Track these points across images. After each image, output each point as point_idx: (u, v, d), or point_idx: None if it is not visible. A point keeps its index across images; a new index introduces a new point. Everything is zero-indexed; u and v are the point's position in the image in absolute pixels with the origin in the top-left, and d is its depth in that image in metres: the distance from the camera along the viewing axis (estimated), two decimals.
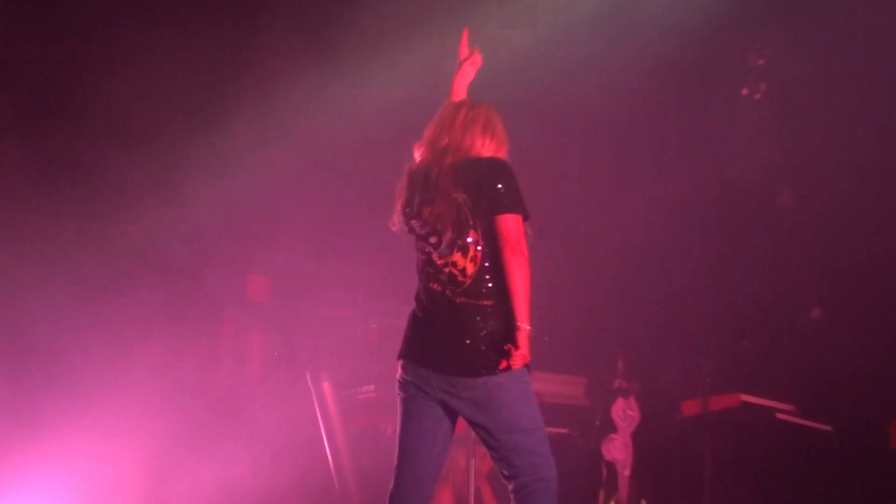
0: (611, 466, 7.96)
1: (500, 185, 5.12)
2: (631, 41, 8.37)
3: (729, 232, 8.47)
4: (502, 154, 5.33)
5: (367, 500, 7.99)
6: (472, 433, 5.37)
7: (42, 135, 8.46)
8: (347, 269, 8.64)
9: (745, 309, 8.41)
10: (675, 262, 8.55)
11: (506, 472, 5.18)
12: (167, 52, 8.49)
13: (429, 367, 5.14)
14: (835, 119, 8.05)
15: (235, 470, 8.26)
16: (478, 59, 5.63)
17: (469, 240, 5.15)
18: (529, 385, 5.18)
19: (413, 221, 5.27)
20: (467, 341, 5.08)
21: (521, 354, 5.05)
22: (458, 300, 5.13)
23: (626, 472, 7.92)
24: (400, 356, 5.25)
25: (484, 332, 5.09)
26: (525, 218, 5.15)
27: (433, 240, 5.20)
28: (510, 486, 5.17)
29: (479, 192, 5.13)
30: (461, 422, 5.29)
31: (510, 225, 5.09)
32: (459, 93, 5.61)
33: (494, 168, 5.20)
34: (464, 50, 5.64)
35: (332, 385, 8.33)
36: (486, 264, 5.14)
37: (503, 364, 5.06)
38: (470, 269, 5.15)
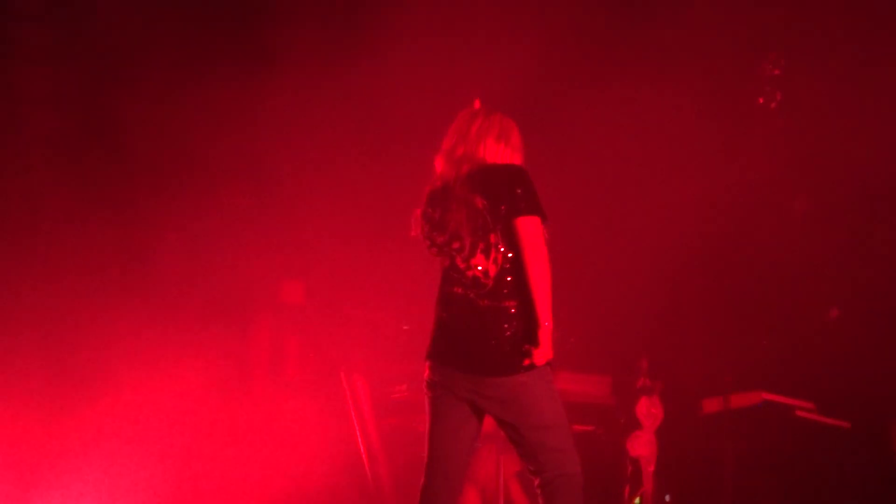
0: (635, 462, 7.97)
1: (517, 190, 5.26)
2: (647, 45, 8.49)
3: (748, 234, 8.50)
4: (518, 161, 5.47)
5: (400, 495, 8.11)
6: (501, 431, 5.48)
7: (81, 147, 8.57)
8: (380, 272, 8.67)
9: (765, 309, 8.48)
10: (695, 264, 8.57)
11: (532, 468, 5.31)
12: (192, 51, 8.60)
13: (455, 367, 5.29)
14: (850, 126, 8.13)
15: (271, 467, 8.36)
16: None
17: (490, 243, 5.30)
18: (553, 383, 5.32)
19: (434, 233, 5.41)
20: (492, 342, 5.23)
21: (543, 351, 5.20)
22: (481, 303, 5.28)
23: (651, 468, 7.93)
24: (427, 357, 5.40)
25: (507, 332, 5.23)
26: (543, 220, 5.29)
27: (455, 245, 5.34)
28: (536, 482, 5.30)
29: (498, 196, 5.27)
30: (490, 419, 5.45)
31: (529, 227, 5.23)
32: None
33: (511, 174, 5.34)
34: None
35: (366, 384, 8.47)
36: (507, 266, 5.28)
37: (526, 362, 5.21)
38: (492, 270, 5.30)
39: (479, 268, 5.32)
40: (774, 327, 8.50)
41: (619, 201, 8.67)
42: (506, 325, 5.25)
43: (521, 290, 5.27)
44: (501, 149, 5.45)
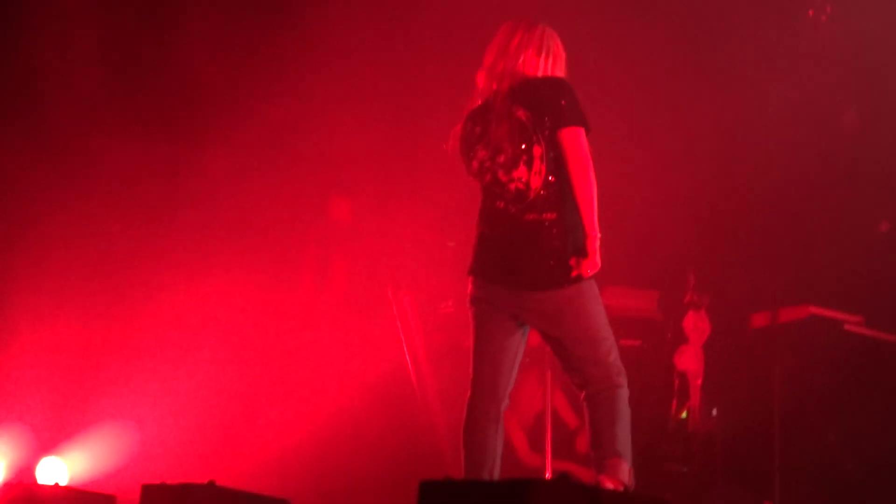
0: (682, 377, 7.99)
1: (561, 101, 5.25)
2: None
3: (796, 147, 8.46)
4: (560, 73, 5.44)
5: (447, 409, 8.17)
6: (546, 345, 5.51)
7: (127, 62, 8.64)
8: (425, 189, 8.70)
9: (813, 222, 8.46)
10: (742, 177, 8.55)
11: (577, 382, 5.34)
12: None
13: (499, 282, 5.31)
14: None
15: (320, 385, 8.48)
16: None
17: (533, 154, 5.28)
18: (598, 296, 5.34)
19: (475, 149, 5.40)
20: (535, 256, 5.24)
21: (591, 262, 5.20)
22: (524, 216, 5.28)
23: (698, 382, 7.95)
24: (470, 272, 5.42)
25: (551, 246, 5.23)
26: (587, 130, 5.28)
27: (501, 158, 5.33)
28: (582, 395, 5.34)
29: (541, 108, 5.26)
30: (535, 333, 5.51)
31: (574, 137, 5.23)
32: None
33: (553, 86, 5.33)
34: None
35: (413, 300, 8.54)
36: (551, 178, 5.27)
37: (574, 273, 5.21)
38: (535, 182, 5.28)
39: (522, 179, 5.31)
40: (823, 240, 8.45)
41: (667, 112, 8.60)
42: (550, 238, 5.25)
43: (566, 201, 5.27)
44: (543, 61, 5.42)
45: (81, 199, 8.27)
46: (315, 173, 8.81)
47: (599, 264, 5.25)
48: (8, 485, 7.20)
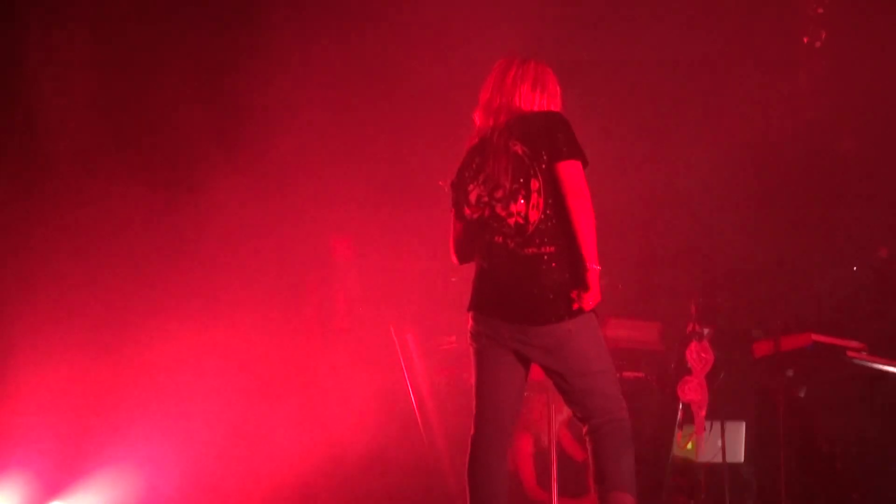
0: (686, 407, 8.01)
1: (558, 135, 5.26)
2: None
3: (796, 175, 8.48)
4: (555, 107, 5.46)
5: (452, 445, 8.14)
6: (549, 380, 5.50)
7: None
8: (427, 224, 8.71)
9: (814, 251, 8.47)
10: (743, 207, 8.57)
11: (580, 415, 5.34)
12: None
13: (499, 317, 5.31)
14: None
15: (322, 421, 8.45)
16: None
17: (531, 189, 5.30)
18: (598, 329, 5.34)
19: (471, 185, 5.41)
20: (535, 290, 5.24)
21: (592, 295, 5.20)
22: (523, 250, 5.28)
23: (702, 413, 7.97)
24: (469, 308, 5.42)
25: (551, 280, 5.23)
26: (585, 164, 5.28)
27: (499, 193, 5.35)
28: (585, 429, 5.33)
29: (538, 142, 5.28)
30: (537, 367, 5.46)
31: (572, 171, 5.23)
32: None
33: (549, 120, 5.35)
34: None
35: (416, 337, 8.53)
36: (549, 212, 5.28)
37: (575, 306, 5.21)
38: (533, 216, 5.29)
39: (521, 213, 5.33)
40: (824, 268, 8.46)
41: (665, 142, 8.63)
42: (550, 272, 5.25)
43: (564, 235, 5.28)
44: (538, 96, 5.45)
45: (84, 245, 8.27)
46: (315, 213, 8.80)
47: (600, 297, 5.26)
48: None
